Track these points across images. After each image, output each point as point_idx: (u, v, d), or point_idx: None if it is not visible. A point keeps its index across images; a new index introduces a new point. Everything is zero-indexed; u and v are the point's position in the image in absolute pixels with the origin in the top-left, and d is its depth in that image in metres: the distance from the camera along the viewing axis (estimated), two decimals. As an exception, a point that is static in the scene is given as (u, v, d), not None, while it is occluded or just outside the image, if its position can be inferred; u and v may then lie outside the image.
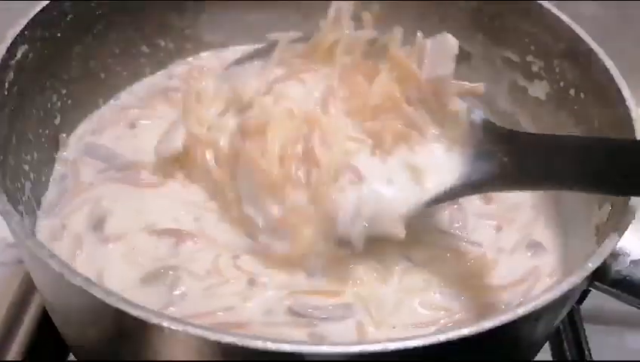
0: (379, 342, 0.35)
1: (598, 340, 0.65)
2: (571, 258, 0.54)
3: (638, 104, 0.50)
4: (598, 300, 0.64)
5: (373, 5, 0.56)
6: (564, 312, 0.47)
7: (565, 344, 0.65)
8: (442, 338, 0.35)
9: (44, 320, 0.63)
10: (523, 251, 0.56)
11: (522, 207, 0.59)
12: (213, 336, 0.34)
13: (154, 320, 0.34)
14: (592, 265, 0.39)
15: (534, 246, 0.56)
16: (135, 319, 0.35)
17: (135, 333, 0.37)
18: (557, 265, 0.54)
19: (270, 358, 0.34)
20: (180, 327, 0.34)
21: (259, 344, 0.34)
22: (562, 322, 0.65)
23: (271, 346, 0.33)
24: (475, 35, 0.67)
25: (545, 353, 0.64)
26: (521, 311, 0.36)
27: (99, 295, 0.35)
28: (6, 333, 0.64)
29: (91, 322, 0.41)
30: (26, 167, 0.56)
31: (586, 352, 0.63)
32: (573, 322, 0.65)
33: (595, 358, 0.63)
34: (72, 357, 0.63)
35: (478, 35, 0.67)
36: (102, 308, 0.36)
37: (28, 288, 0.68)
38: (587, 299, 0.67)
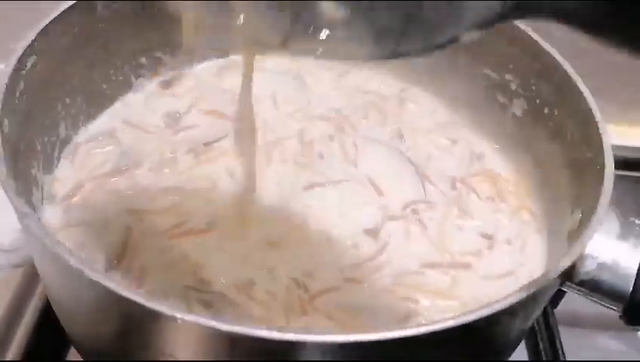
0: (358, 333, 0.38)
1: (571, 341, 0.70)
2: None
3: (607, 120, 0.55)
4: (571, 304, 0.69)
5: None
6: (538, 310, 0.51)
7: (541, 345, 0.69)
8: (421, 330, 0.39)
9: (42, 324, 0.65)
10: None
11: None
12: (225, 327, 0.37)
13: (168, 312, 0.37)
14: (562, 265, 0.44)
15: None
16: (152, 312, 0.38)
17: (153, 326, 0.40)
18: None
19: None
20: (192, 319, 0.37)
21: (274, 334, 0.37)
22: (538, 324, 0.70)
23: (277, 335, 0.37)
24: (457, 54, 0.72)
25: (521, 352, 0.69)
26: (497, 307, 0.40)
27: (119, 290, 0.38)
28: (2, 337, 0.66)
29: (105, 316, 0.44)
30: (33, 172, 0.59)
31: (560, 352, 0.67)
32: (548, 324, 0.70)
33: (568, 358, 0.67)
34: (69, 357, 0.65)
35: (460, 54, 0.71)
36: (120, 301, 0.39)
37: (25, 292, 0.70)
38: (561, 303, 0.72)
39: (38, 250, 0.47)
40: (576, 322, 0.75)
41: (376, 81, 0.77)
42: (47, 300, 0.65)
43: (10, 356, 0.64)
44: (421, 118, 0.74)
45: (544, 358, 0.68)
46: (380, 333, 0.38)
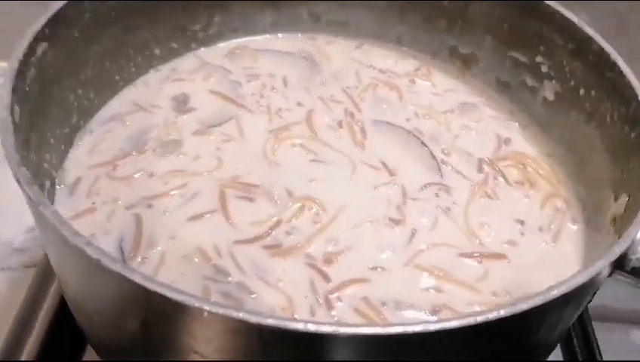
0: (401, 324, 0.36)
1: (604, 337, 0.66)
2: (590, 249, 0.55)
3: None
4: (603, 299, 0.66)
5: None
6: (585, 303, 0.48)
7: (575, 343, 0.65)
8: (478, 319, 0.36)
9: (57, 324, 0.63)
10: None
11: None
12: (254, 319, 0.34)
13: (196, 303, 0.35)
14: (617, 250, 0.41)
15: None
16: (175, 303, 0.35)
17: (173, 318, 0.37)
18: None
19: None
20: (220, 310, 0.35)
21: (300, 326, 0.34)
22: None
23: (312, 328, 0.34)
24: (483, 38, 0.69)
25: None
26: (555, 293, 0.37)
27: (144, 282, 0.35)
28: (16, 339, 0.64)
29: (125, 311, 0.41)
30: (46, 166, 0.56)
31: (597, 352, 0.64)
32: (582, 321, 0.66)
33: (601, 354, 0.64)
34: (86, 357, 0.62)
35: (487, 37, 0.69)
36: (140, 293, 0.36)
37: (38, 292, 0.68)
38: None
39: (52, 242, 0.45)
40: (609, 317, 0.72)
41: (389, 60, 0.75)
42: (62, 300, 0.63)
43: (25, 356, 0.62)
44: (439, 98, 0.71)
45: (580, 358, 0.64)
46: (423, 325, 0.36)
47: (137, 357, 0.46)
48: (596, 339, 0.65)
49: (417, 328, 0.35)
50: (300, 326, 0.35)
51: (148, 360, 0.45)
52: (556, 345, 0.54)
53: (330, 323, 0.35)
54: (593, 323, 0.67)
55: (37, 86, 0.53)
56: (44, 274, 0.69)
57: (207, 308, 0.35)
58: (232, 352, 0.38)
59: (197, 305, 0.35)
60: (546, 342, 0.49)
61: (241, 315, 0.34)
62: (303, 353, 0.37)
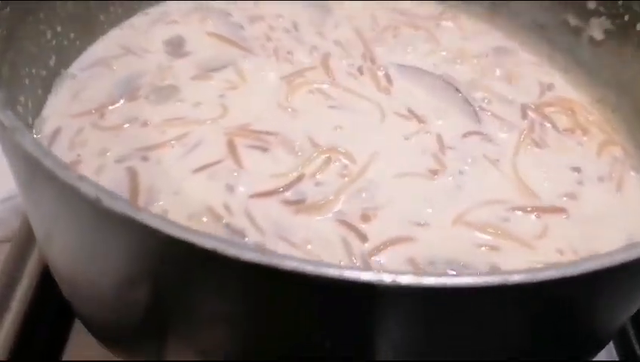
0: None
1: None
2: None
3: None
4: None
5: None
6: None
7: (633, 340, 0.58)
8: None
9: (35, 304, 0.53)
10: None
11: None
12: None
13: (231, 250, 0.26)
14: None
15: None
16: (202, 249, 0.26)
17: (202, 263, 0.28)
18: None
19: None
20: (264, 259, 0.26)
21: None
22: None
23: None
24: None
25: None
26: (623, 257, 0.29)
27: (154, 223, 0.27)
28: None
29: (131, 272, 0.32)
30: (20, 109, 0.47)
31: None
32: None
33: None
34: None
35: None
36: (154, 242, 0.27)
37: (14, 269, 0.58)
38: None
39: (34, 189, 0.35)
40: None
41: (407, 4, 0.66)
42: (42, 277, 0.54)
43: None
44: (469, 42, 0.63)
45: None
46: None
47: (142, 331, 0.37)
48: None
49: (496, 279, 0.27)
50: (364, 277, 0.27)
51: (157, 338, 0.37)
52: (609, 341, 0.46)
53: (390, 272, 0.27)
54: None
55: (8, 10, 0.44)
56: (21, 248, 0.59)
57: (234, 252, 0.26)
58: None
59: (233, 252, 0.26)
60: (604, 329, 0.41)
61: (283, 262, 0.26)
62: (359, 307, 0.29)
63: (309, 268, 0.26)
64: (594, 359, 0.45)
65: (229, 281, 0.29)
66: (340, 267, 0.26)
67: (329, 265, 0.26)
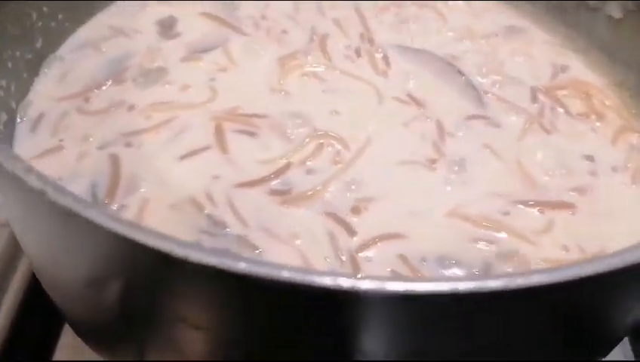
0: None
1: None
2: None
3: None
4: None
5: None
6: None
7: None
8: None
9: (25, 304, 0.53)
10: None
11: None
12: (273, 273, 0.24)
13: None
14: None
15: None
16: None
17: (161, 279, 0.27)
18: None
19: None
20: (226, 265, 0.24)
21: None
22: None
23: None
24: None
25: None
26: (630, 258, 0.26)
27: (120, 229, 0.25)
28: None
29: (108, 274, 0.30)
30: (2, 94, 0.46)
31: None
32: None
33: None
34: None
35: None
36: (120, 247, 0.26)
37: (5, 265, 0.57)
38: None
39: (13, 194, 0.34)
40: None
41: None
42: (32, 278, 0.53)
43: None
44: (478, 20, 0.59)
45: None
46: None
47: (119, 332, 0.35)
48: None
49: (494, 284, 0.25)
50: (332, 283, 0.24)
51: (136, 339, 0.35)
52: (622, 338, 0.43)
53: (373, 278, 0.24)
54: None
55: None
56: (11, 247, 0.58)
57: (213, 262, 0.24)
58: (230, 316, 0.28)
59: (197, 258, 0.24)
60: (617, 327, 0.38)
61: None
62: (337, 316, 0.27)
63: (263, 271, 0.24)
64: (610, 359, 0.42)
65: (181, 282, 0.27)
66: (294, 270, 0.24)
67: (282, 268, 0.24)
